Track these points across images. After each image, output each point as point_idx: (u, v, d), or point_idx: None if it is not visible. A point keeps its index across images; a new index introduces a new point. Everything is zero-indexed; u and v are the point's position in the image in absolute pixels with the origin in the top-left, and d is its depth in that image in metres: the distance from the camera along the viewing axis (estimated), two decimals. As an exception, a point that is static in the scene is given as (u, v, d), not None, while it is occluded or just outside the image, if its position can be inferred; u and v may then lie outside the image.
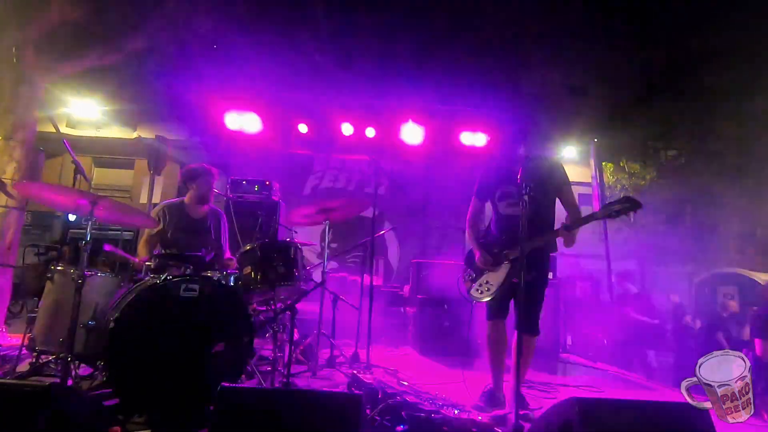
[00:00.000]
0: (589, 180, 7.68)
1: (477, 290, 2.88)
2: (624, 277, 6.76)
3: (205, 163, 3.71)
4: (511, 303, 2.91)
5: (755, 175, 8.12)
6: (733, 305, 6.71)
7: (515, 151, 2.87)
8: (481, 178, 3.08)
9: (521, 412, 2.80)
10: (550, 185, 2.39)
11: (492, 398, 2.82)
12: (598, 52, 7.80)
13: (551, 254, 3.04)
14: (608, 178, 9.01)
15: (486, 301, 2.87)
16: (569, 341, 5.40)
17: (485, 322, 2.93)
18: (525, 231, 2.44)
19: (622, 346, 5.41)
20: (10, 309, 4.75)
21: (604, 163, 8.28)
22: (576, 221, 2.70)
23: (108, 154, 9.21)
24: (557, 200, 2.91)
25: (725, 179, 8.39)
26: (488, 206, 3.11)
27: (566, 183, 2.86)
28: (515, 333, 2.82)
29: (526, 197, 2.36)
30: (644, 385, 4.25)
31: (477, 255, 2.91)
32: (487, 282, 2.84)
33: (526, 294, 2.72)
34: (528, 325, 2.77)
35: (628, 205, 2.48)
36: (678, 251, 8.72)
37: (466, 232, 3.07)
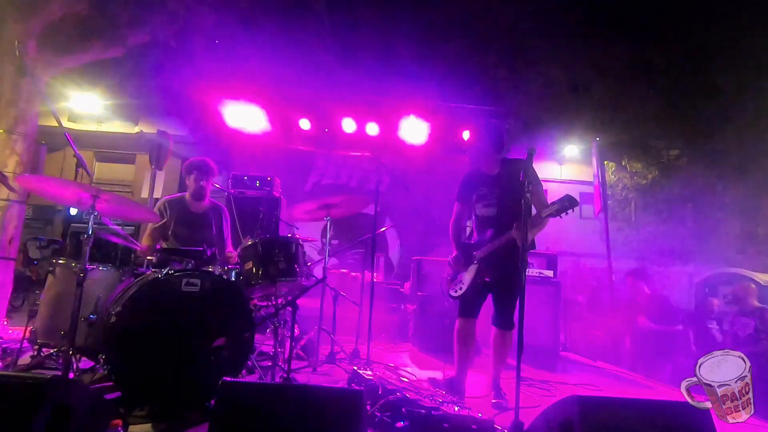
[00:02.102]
0: (591, 179, 7.68)
1: (453, 289, 3.08)
2: (637, 275, 5.70)
3: (207, 158, 3.69)
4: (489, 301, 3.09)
5: (757, 176, 8.10)
6: (716, 303, 6.73)
7: (491, 154, 3.03)
8: (462, 183, 3.25)
9: (496, 401, 2.96)
10: (522, 186, 2.48)
11: (451, 385, 3.01)
12: (601, 50, 7.77)
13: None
14: (610, 177, 9.00)
15: (458, 299, 3.06)
16: (569, 339, 5.36)
17: (457, 319, 3.12)
18: (493, 232, 2.82)
19: (641, 357, 5.04)
20: (12, 302, 4.76)
21: (606, 162, 8.27)
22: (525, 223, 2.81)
23: (109, 148, 9.22)
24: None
25: (727, 179, 8.38)
26: None
27: (537, 183, 2.95)
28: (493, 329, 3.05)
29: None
30: (644, 384, 4.25)
31: (453, 256, 3.13)
32: (461, 281, 3.03)
33: (496, 291, 2.97)
34: (499, 321, 3.01)
35: (567, 203, 2.61)
36: (679, 251, 8.72)
37: (450, 234, 3.24)
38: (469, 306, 3.04)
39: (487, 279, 2.94)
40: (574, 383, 3.84)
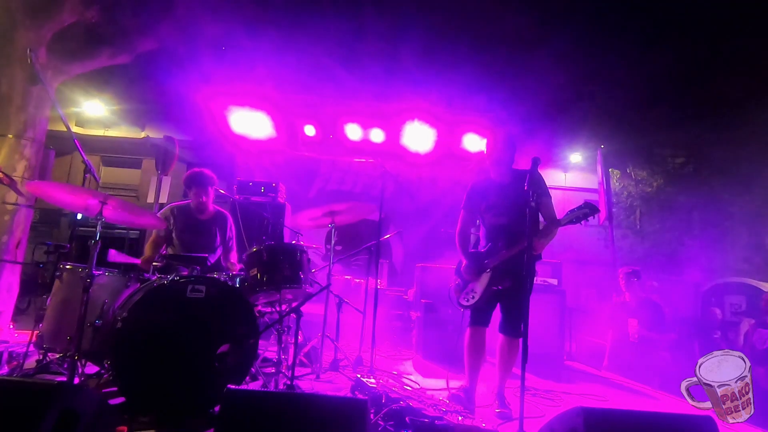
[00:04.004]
0: (596, 186, 7.66)
1: (464, 298, 3.05)
2: (631, 275, 5.24)
3: (204, 168, 3.64)
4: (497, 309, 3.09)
5: (764, 184, 8.06)
6: (718, 312, 6.65)
7: (503, 164, 3.06)
8: (470, 191, 3.25)
9: (501, 410, 2.94)
10: (531, 197, 2.50)
11: (468, 396, 2.98)
12: (606, 58, 7.79)
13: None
14: (615, 184, 8.97)
15: (470, 308, 3.04)
16: (573, 348, 5.32)
17: (467, 327, 3.11)
18: (504, 241, 2.82)
19: (627, 362, 4.84)
20: (17, 305, 4.79)
21: (611, 170, 8.26)
22: (541, 231, 2.86)
23: (116, 153, 9.28)
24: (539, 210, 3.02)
25: (733, 188, 8.34)
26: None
27: (545, 195, 2.97)
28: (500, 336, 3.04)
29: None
30: (649, 393, 4.21)
31: (463, 265, 3.09)
32: (472, 290, 3.01)
33: (505, 299, 2.97)
34: (508, 328, 3.00)
35: (587, 210, 2.62)
36: (685, 259, 8.67)
37: (456, 243, 3.21)
38: (480, 315, 3.04)
39: (499, 287, 2.93)
40: (578, 393, 3.81)
